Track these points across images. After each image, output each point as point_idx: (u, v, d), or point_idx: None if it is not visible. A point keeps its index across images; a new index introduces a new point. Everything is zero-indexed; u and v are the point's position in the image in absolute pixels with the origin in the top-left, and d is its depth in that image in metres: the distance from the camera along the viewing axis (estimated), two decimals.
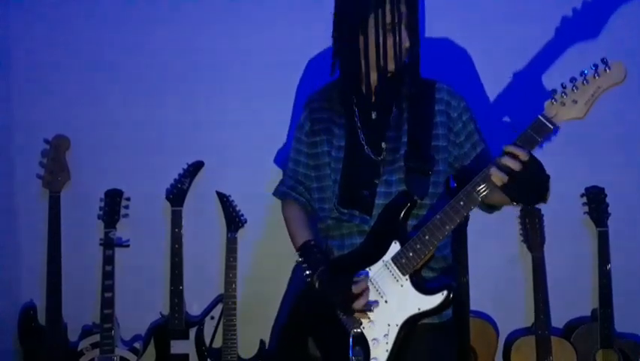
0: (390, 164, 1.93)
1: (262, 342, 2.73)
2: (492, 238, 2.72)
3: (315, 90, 2.13)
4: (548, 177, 1.77)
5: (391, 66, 1.91)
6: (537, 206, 2.66)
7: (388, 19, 1.86)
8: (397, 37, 1.88)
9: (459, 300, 2.20)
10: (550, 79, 2.58)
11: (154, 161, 2.76)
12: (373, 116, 1.98)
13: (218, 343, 2.70)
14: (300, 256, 2.00)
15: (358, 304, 1.83)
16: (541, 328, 2.59)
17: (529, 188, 1.74)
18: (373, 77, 1.96)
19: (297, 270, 2.03)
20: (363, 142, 1.97)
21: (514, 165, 1.67)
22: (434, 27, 2.67)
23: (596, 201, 2.65)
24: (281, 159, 2.71)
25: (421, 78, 2.01)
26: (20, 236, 2.79)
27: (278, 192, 2.21)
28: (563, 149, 2.65)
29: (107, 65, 2.76)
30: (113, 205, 2.70)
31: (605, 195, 2.66)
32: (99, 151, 2.77)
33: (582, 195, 2.70)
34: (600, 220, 2.64)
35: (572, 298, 2.73)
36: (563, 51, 2.57)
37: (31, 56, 2.76)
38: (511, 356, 2.63)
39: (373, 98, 1.99)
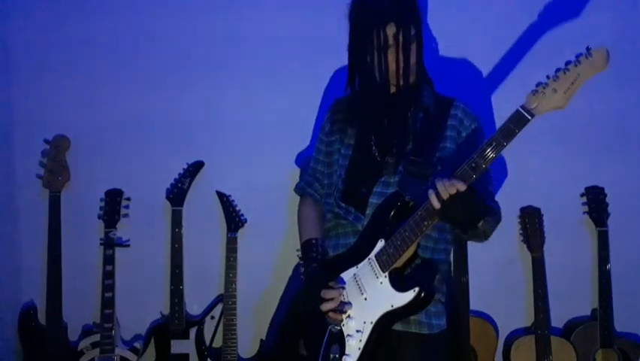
0: (392, 166, 1.97)
1: (262, 342, 2.73)
2: (492, 238, 2.69)
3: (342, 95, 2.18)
4: (484, 210, 1.80)
5: (399, 81, 1.95)
6: (537, 206, 2.67)
7: (382, 39, 1.90)
8: (384, 58, 1.92)
9: (455, 307, 2.19)
10: None
11: (154, 161, 2.76)
12: (385, 122, 2.02)
13: (218, 343, 2.70)
14: (301, 253, 2.07)
15: (324, 306, 1.86)
16: (541, 327, 2.59)
17: (457, 214, 1.76)
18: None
19: (297, 269, 2.06)
20: (372, 143, 2.01)
21: (445, 195, 1.70)
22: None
23: (595, 201, 2.66)
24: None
25: (439, 94, 2.08)
26: (20, 236, 2.79)
27: (297, 188, 2.26)
28: (563, 149, 2.67)
29: (107, 66, 2.75)
30: (113, 205, 2.69)
31: (605, 195, 2.66)
32: (99, 151, 2.76)
33: (582, 195, 2.70)
34: (600, 220, 2.64)
35: (571, 298, 2.74)
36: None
37: (31, 56, 2.76)
38: (511, 355, 2.63)
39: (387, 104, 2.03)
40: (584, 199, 2.69)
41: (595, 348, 2.61)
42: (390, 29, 1.90)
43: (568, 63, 1.64)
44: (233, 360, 2.65)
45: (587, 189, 2.69)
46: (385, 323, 1.83)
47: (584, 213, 2.69)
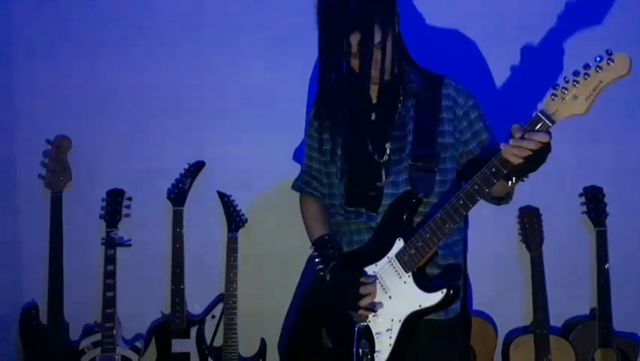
0: (396, 164, 1.95)
1: (263, 340, 2.74)
2: (491, 238, 2.73)
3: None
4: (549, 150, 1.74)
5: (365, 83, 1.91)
6: (536, 206, 2.68)
7: (345, 47, 1.84)
8: (347, 65, 1.88)
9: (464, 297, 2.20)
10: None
11: (155, 161, 2.77)
12: (372, 117, 2.00)
13: (219, 342, 2.70)
14: (314, 250, 2.05)
15: (363, 302, 1.87)
16: (539, 327, 2.60)
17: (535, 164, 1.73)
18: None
19: (311, 261, 2.05)
20: (368, 142, 1.99)
21: (534, 146, 1.65)
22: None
23: (594, 201, 2.66)
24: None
25: (427, 72, 2.02)
26: (22, 236, 2.80)
27: (295, 187, 2.26)
28: (561, 148, 2.67)
29: (108, 66, 2.76)
30: (114, 205, 2.70)
31: (604, 195, 2.67)
32: (101, 151, 2.77)
33: (580, 195, 2.71)
34: (598, 220, 2.65)
35: (570, 298, 2.74)
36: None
37: (33, 56, 2.76)
38: (510, 354, 2.64)
39: (375, 99, 2.00)
40: (583, 199, 2.70)
41: (594, 347, 2.62)
42: (355, 38, 1.83)
43: (587, 67, 1.59)
44: (233, 359, 2.65)
45: (586, 188, 2.70)
46: (413, 320, 1.86)
47: (582, 213, 2.70)
